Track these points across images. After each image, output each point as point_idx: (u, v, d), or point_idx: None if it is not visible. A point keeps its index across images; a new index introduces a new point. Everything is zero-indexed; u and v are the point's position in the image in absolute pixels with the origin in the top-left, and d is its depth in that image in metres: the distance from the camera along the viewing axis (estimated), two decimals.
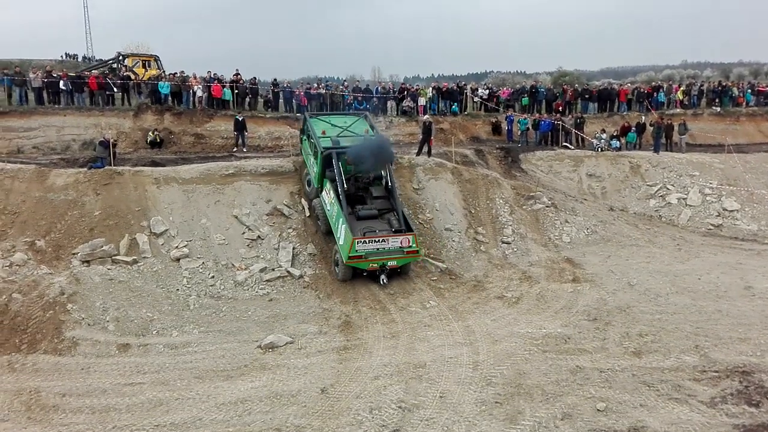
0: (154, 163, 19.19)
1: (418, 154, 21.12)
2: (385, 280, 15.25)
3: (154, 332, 12.84)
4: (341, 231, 15.27)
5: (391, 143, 18.28)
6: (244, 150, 23.28)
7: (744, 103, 32.32)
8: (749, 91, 33.38)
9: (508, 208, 19.50)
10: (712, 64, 64.18)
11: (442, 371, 10.97)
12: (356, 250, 14.79)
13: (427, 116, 24.08)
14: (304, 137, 18.94)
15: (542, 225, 19.47)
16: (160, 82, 26.19)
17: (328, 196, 16.44)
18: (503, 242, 18.18)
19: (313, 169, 17.37)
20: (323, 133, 17.34)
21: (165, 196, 16.71)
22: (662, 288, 14.89)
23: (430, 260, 16.66)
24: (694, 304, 13.78)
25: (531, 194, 20.79)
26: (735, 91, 32.99)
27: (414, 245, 15.46)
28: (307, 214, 17.28)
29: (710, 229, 20.49)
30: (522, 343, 12.06)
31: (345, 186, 15.79)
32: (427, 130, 21.25)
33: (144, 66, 32.01)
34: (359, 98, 27.78)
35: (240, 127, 23.61)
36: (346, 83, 28.75)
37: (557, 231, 19.22)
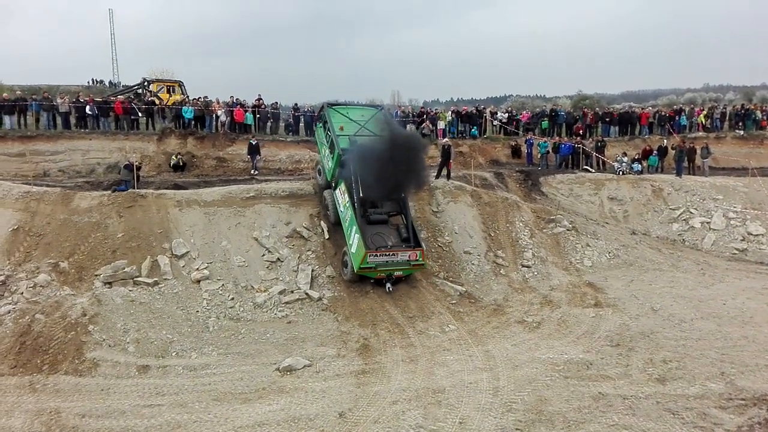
0: (177, 186, 19.48)
1: (437, 177, 21.15)
2: (390, 288, 15.74)
3: (173, 354, 12.89)
4: (354, 239, 15.68)
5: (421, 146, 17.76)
6: (255, 173, 23.60)
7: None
8: None
9: (528, 231, 19.37)
10: (734, 87, 63.66)
11: (462, 397, 10.83)
12: (367, 263, 15.28)
13: (446, 139, 24.16)
14: (320, 124, 19.16)
15: (563, 248, 19.28)
16: (183, 107, 26.69)
17: (342, 197, 16.77)
18: (523, 266, 18.02)
19: (328, 162, 17.72)
20: (341, 129, 17.40)
21: (187, 219, 16.90)
22: (686, 313, 14.61)
23: (449, 283, 16.56)
24: (720, 330, 13.49)
25: (551, 217, 20.65)
26: (758, 114, 32.54)
27: (421, 259, 15.90)
28: (326, 236, 17.33)
29: (735, 254, 20.11)
30: (543, 368, 11.88)
31: (360, 192, 16.01)
32: (445, 153, 21.30)
33: (168, 91, 32.74)
34: None
35: (253, 150, 23.96)
36: None
37: (578, 255, 19.01)
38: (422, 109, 31.71)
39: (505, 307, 15.67)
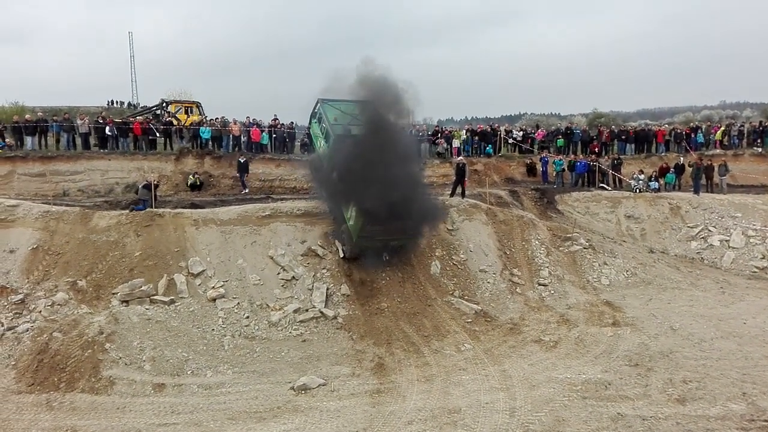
0: (194, 206, 19.67)
1: (451, 195, 21.15)
2: (387, 257, 16.92)
3: (189, 372, 12.92)
4: (351, 212, 16.38)
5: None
6: (245, 191, 23.78)
7: None
8: None
9: (545, 249, 19.24)
10: (751, 104, 62.89)
11: (478, 417, 10.72)
12: (366, 232, 16.05)
13: (460, 158, 24.19)
14: (315, 120, 19.86)
15: (580, 267, 19.11)
16: (201, 128, 27.06)
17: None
18: (540, 284, 17.87)
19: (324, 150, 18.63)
20: (335, 119, 18.20)
21: (203, 238, 17.05)
22: (706, 332, 14.37)
23: (465, 302, 16.46)
24: (740, 350, 13.25)
25: (568, 235, 20.51)
26: None
27: (416, 228, 16.63)
28: (341, 254, 17.35)
29: (755, 272, 19.78)
30: (561, 388, 11.74)
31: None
32: (460, 171, 21.32)
33: (186, 112, 33.22)
34: None
35: (242, 168, 24.17)
36: None
37: (596, 273, 18.82)
38: (437, 128, 31.77)
39: (521, 326, 15.54)
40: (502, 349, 14.15)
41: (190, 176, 24.24)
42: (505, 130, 31.68)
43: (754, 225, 21.74)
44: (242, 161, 24.26)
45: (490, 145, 29.42)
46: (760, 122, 34.69)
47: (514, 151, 30.32)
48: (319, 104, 19.32)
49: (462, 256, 18.35)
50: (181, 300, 15.24)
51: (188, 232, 17.08)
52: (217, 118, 28.82)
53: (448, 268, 17.81)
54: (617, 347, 13.77)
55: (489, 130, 30.89)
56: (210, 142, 26.64)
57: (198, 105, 34.53)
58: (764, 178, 26.66)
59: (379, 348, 14.18)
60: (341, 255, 17.29)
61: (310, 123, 20.69)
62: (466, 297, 16.81)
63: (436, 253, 18.17)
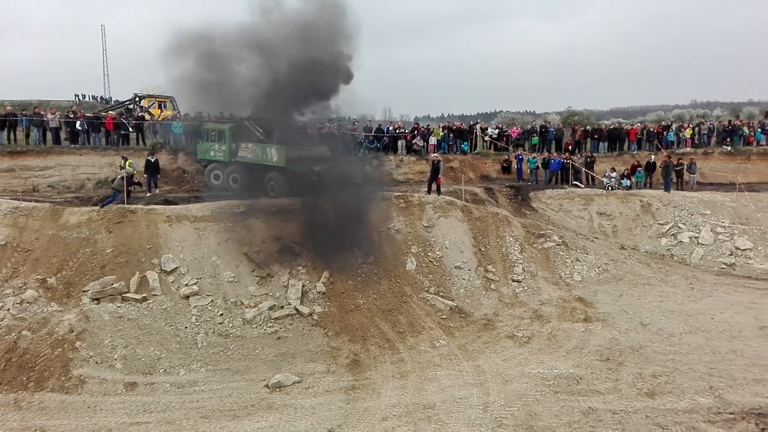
0: (167, 202, 19.41)
1: (428, 192, 21.22)
2: (316, 178, 18.78)
3: (161, 371, 12.78)
4: (272, 153, 19.41)
5: None
6: (156, 192, 21.81)
7: (755, 142, 32.26)
8: (759, 130, 33.33)
9: (519, 246, 19.43)
10: (721, 103, 64.40)
11: (452, 412, 10.81)
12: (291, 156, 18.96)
13: (435, 155, 24.28)
14: (199, 142, 22.03)
15: (553, 263, 19.35)
16: (173, 122, 26.68)
17: (247, 150, 20.29)
18: (514, 280, 18.06)
19: (222, 148, 20.87)
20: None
21: (176, 234, 16.84)
22: (675, 328, 14.69)
23: (440, 298, 16.56)
24: (708, 344, 13.58)
25: (541, 232, 20.75)
26: (745, 130, 32.94)
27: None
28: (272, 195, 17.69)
29: (723, 268, 20.25)
30: (533, 383, 11.89)
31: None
32: (435, 168, 21.42)
33: (160, 107, 32.72)
34: (370, 137, 28.12)
35: (151, 168, 21.92)
36: (356, 123, 29.08)
37: (568, 269, 19.08)
38: (416, 125, 31.85)
39: (495, 322, 15.69)
40: (476, 345, 14.28)
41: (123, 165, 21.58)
42: (481, 127, 31.89)
43: (722, 222, 22.23)
44: (152, 160, 21.99)
45: (466, 143, 29.57)
46: (730, 121, 35.54)
47: (490, 149, 30.52)
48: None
49: (438, 252, 18.44)
50: (154, 297, 15.04)
51: (161, 229, 16.86)
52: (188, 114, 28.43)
53: (423, 265, 17.89)
54: (589, 342, 13.99)
55: (465, 127, 31.06)
56: (185, 138, 26.28)
57: (172, 100, 34.03)
58: (733, 176, 27.20)
59: (355, 345, 14.19)
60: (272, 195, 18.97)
61: (195, 150, 22.63)
62: (441, 293, 16.90)
63: (412, 250, 18.24)
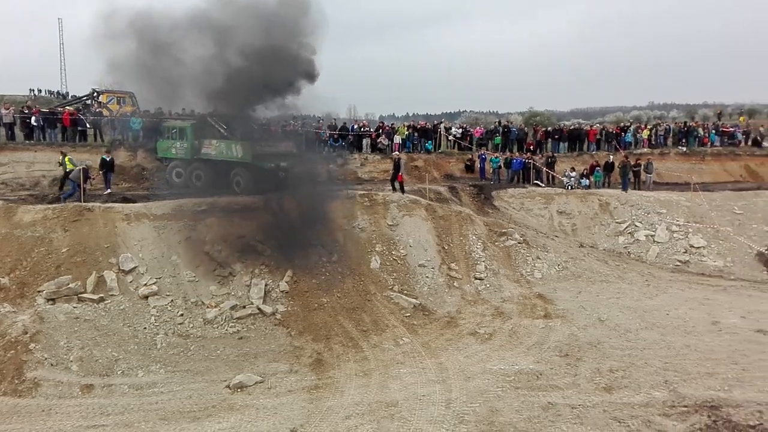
0: (126, 200, 18.98)
1: (393, 190, 21.28)
2: (282, 174, 18.83)
3: (119, 372, 12.51)
4: (238, 149, 19.37)
5: None
6: (108, 192, 20.49)
7: (709, 143, 33.32)
8: (714, 131, 34.47)
9: (481, 244, 19.66)
10: (678, 105, 66.35)
11: (415, 410, 10.87)
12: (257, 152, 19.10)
13: (396, 153, 24.40)
14: (159, 140, 21.47)
15: (514, 261, 19.64)
16: (132, 118, 26.11)
17: (211, 146, 20.02)
18: (476, 278, 18.26)
19: (184, 146, 20.54)
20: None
21: (135, 233, 16.48)
22: (632, 323, 15.07)
23: (404, 296, 16.63)
24: (663, 340, 13.96)
25: (503, 231, 21.03)
26: (700, 131, 34.01)
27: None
28: (281, 249, 17.17)
29: (678, 266, 20.86)
30: (495, 379, 12.05)
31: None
32: (396, 166, 21.49)
33: (118, 102, 31.94)
34: (335, 136, 28.05)
35: (106, 166, 20.85)
36: (321, 121, 28.96)
37: (529, 267, 19.39)
38: (381, 124, 31.90)
39: (458, 319, 15.84)
40: (439, 342, 14.39)
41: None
42: (445, 127, 32.11)
43: (677, 221, 22.90)
44: (107, 159, 20.94)
45: (430, 142, 29.75)
46: (685, 123, 36.64)
47: (454, 148, 30.76)
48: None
49: (402, 251, 18.51)
50: (112, 298, 14.70)
51: (119, 228, 16.49)
52: (149, 110, 27.82)
53: (387, 263, 17.93)
54: (548, 338, 14.25)
55: (429, 126, 31.24)
56: (143, 135, 25.72)
57: (131, 95, 33.25)
58: (688, 176, 28.06)
59: (318, 344, 14.15)
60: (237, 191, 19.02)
61: (155, 148, 22.23)
62: (405, 291, 16.97)
63: (377, 249, 18.27)
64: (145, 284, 15.23)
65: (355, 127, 30.12)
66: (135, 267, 15.58)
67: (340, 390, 11.88)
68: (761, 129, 35.66)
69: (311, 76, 18.27)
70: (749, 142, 33.78)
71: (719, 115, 43.11)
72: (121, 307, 14.50)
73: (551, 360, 13.02)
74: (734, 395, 11.12)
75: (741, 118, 44.19)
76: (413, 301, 16.52)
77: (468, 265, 18.77)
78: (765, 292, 18.31)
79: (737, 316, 15.63)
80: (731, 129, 35.25)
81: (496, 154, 28.59)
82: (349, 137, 28.59)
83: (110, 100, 31.66)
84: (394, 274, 17.60)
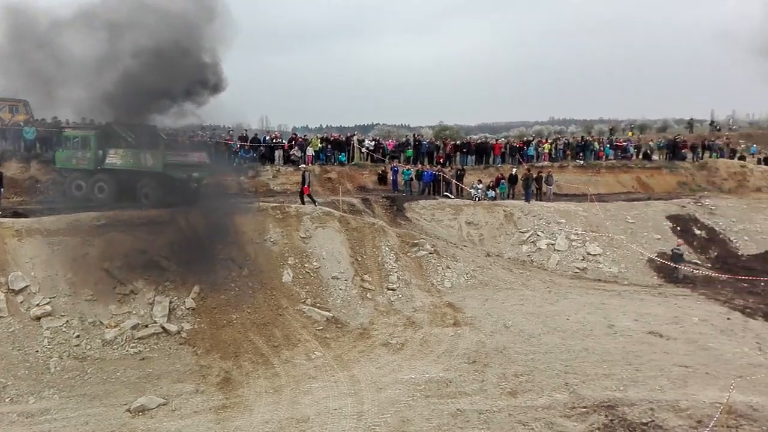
0: (17, 214, 17.67)
1: (302, 203, 21.11)
2: (195, 185, 18.94)
3: (7, 400, 11.62)
4: (147, 158, 18.47)
5: None
6: None
7: (604, 157, 35.54)
8: (608, 145, 36.81)
9: (394, 255, 19.90)
10: (576, 120, 70.28)
11: (326, 424, 10.81)
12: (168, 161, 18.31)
13: (303, 165, 24.35)
14: (58, 150, 20.38)
15: (425, 271, 20.03)
16: (25, 128, 24.44)
17: (117, 156, 18.97)
18: (389, 289, 18.44)
19: (86, 156, 19.33)
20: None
21: (27, 250, 15.34)
22: (535, 329, 15.74)
23: (316, 309, 16.51)
24: (564, 344, 14.67)
25: (415, 242, 21.41)
26: (596, 145, 36.20)
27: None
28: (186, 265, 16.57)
29: (576, 272, 22.03)
30: (406, 389, 12.19)
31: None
32: (302, 178, 21.37)
33: (10, 111, 29.79)
34: (246, 147, 27.54)
35: None
36: (232, 132, 28.34)
37: (439, 277, 19.83)
38: (293, 135, 31.64)
39: (370, 331, 15.92)
40: (351, 355, 14.39)
41: None
42: (358, 139, 32.34)
43: (576, 230, 24.19)
44: None
45: (343, 154, 29.87)
46: (582, 137, 38.92)
47: (367, 160, 31.04)
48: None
49: (315, 263, 18.39)
50: (0, 320, 13.60)
51: (9, 244, 15.30)
52: (44, 119, 26.16)
53: (300, 276, 17.76)
54: (457, 346, 14.62)
55: (343, 139, 31.37)
56: (37, 145, 24.13)
57: (25, 103, 31.10)
58: (585, 187, 29.78)
59: (226, 362, 13.75)
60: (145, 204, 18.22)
61: (54, 158, 21.05)
62: (318, 304, 16.85)
63: (289, 261, 18.05)
64: (38, 304, 14.20)
65: (267, 138, 29.73)
66: (26, 286, 14.49)
67: (249, 408, 11.60)
68: (651, 143, 38.53)
69: (215, 84, 17.80)
70: (640, 156, 36.32)
71: (611, 131, 46.06)
72: (11, 330, 13.44)
73: (460, 367, 13.35)
74: (629, 395, 11.88)
75: (630, 133, 47.61)
76: (326, 314, 16.44)
77: (381, 276, 18.93)
78: (655, 296, 19.65)
79: (631, 319, 16.69)
80: (624, 143, 37.75)
81: (408, 167, 29.12)
82: (261, 149, 28.17)
83: (1, 109, 29.50)
84: (307, 287, 17.45)
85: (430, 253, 20.74)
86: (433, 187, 28.33)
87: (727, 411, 10.70)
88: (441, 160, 30.63)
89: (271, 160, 28.31)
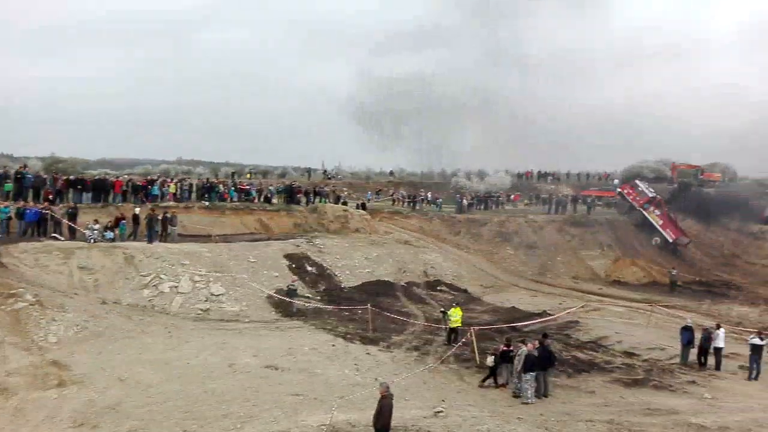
0: None
1: None
2: None
3: None
4: None
5: None
6: None
7: (228, 199, 36.94)
8: (233, 188, 38.49)
9: None
10: (203, 162, 70.98)
11: None
12: None
13: None
14: None
15: (25, 326, 17.36)
16: None
17: None
18: None
19: None
20: None
21: None
22: (154, 378, 15.12)
23: None
24: (183, 390, 14.45)
25: (12, 292, 18.39)
26: (221, 187, 37.48)
27: None
28: None
29: (200, 314, 22.05)
30: None
31: None
32: None
33: None
34: None
35: None
36: None
37: (43, 331, 17.38)
38: None
39: None
40: None
41: None
42: None
43: (200, 270, 24.33)
44: None
45: None
46: (208, 179, 39.78)
47: None
48: None
49: None
50: None
51: None
52: None
53: None
54: (62, 409, 13.01)
55: None
56: None
57: None
58: (210, 228, 30.33)
59: None
60: None
61: None
62: None
63: None
64: None
65: None
66: None
67: None
68: (271, 188, 41.72)
69: None
70: (262, 199, 38.96)
71: (233, 174, 48.39)
72: None
73: None
74: (245, 430, 12.32)
75: (249, 175, 50.97)
76: None
77: None
78: (273, 330, 20.99)
79: (250, 355, 17.40)
80: (247, 187, 40.05)
81: (6, 204, 25.04)
82: None
83: None
84: None
85: (31, 305, 18.05)
86: (39, 227, 24.94)
87: (330, 431, 12.07)
88: (50, 197, 27.27)
89: None
